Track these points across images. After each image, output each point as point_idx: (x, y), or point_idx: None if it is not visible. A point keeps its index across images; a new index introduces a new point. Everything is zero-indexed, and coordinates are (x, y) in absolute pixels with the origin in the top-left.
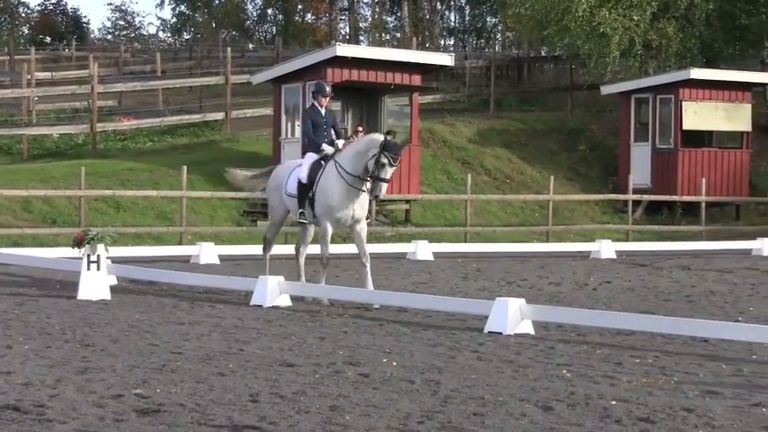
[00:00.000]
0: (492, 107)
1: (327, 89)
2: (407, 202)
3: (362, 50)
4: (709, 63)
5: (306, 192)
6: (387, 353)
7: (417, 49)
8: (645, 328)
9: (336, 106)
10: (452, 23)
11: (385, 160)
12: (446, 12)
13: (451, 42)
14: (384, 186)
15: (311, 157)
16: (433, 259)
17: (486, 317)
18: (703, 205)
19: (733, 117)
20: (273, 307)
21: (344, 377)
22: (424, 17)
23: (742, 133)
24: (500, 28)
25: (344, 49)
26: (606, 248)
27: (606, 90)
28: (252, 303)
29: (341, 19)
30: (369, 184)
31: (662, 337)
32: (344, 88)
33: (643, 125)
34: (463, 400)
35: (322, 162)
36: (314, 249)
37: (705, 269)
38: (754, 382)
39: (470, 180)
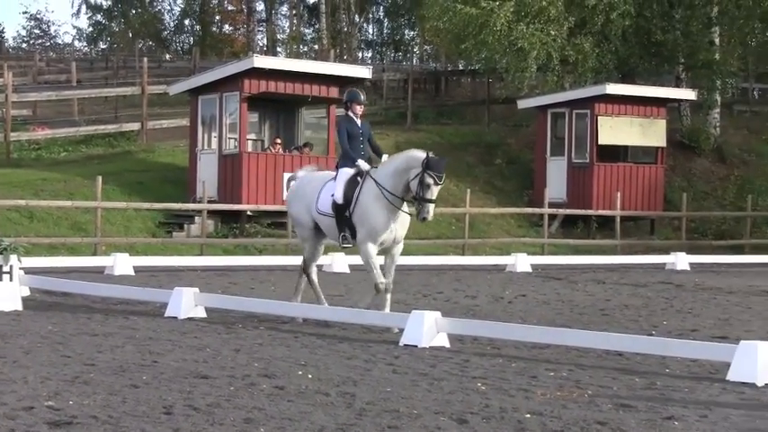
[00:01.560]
0: (409, 120)
1: (362, 97)
2: None
3: (280, 62)
4: (625, 79)
5: (343, 212)
6: (302, 365)
7: (335, 62)
8: (559, 342)
9: (253, 118)
10: (370, 36)
11: (430, 180)
12: (364, 24)
13: (369, 55)
14: (432, 207)
15: (346, 173)
16: (349, 272)
17: (402, 330)
18: (618, 219)
19: (648, 132)
20: (188, 319)
21: (259, 389)
22: (342, 29)
23: (657, 148)
24: (418, 41)
25: (262, 61)
26: (522, 262)
27: (523, 104)
28: (166, 315)
29: (258, 30)
30: (406, 205)
31: (576, 351)
32: (261, 100)
33: (559, 139)
34: (378, 413)
35: (358, 179)
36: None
37: (620, 283)
38: (666, 395)
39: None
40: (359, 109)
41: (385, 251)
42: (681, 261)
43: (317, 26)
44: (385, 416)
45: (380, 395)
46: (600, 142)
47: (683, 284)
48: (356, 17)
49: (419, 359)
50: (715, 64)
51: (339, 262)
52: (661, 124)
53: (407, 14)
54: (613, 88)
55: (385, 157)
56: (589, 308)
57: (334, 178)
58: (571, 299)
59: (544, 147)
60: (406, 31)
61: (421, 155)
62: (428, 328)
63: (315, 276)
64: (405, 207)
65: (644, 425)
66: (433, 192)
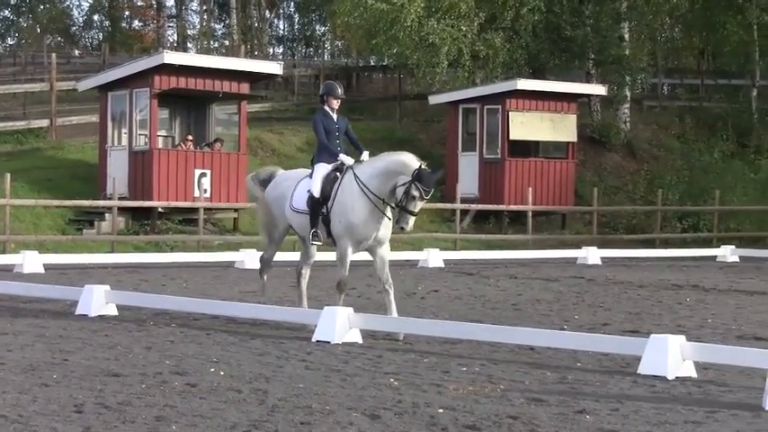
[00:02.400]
0: None
1: (339, 90)
2: (236, 210)
3: (190, 58)
4: (536, 74)
5: (318, 208)
6: (214, 362)
7: (246, 58)
8: (472, 337)
9: (164, 114)
10: (281, 32)
11: (416, 193)
12: (275, 20)
13: (280, 51)
14: (412, 220)
15: (323, 168)
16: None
17: (315, 326)
18: (530, 214)
19: (559, 127)
20: (99, 316)
21: (171, 387)
22: (253, 25)
23: (567, 143)
24: (329, 37)
25: (172, 57)
26: (434, 257)
27: (434, 100)
28: (77, 313)
29: (169, 26)
30: (388, 209)
31: (488, 346)
32: (172, 96)
33: (471, 135)
34: (291, 410)
35: (337, 174)
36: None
37: (531, 278)
38: (578, 389)
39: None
40: (335, 103)
41: (371, 253)
42: (592, 255)
43: (227, 22)
44: (297, 412)
45: (293, 391)
46: (511, 137)
47: (595, 279)
48: (267, 13)
49: (332, 355)
50: (624, 59)
51: (251, 258)
52: (571, 119)
53: (318, 10)
54: (524, 84)
55: (365, 154)
56: (501, 303)
57: (310, 175)
58: (483, 294)
59: (456, 142)
60: (317, 27)
61: (413, 163)
62: (341, 325)
63: (305, 283)
64: (387, 211)
65: (556, 419)
66: (417, 205)
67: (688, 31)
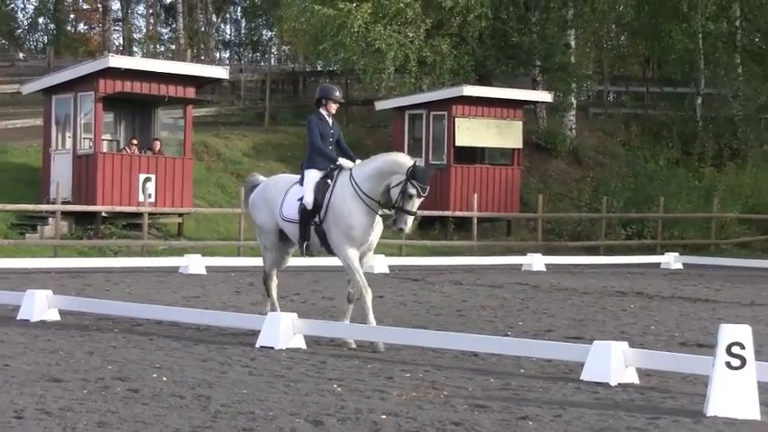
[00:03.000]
0: (267, 121)
1: (337, 94)
2: (180, 215)
3: (136, 62)
4: (482, 80)
5: (311, 218)
6: (157, 368)
7: (192, 62)
8: (415, 343)
9: (108, 118)
10: (228, 36)
11: (413, 191)
12: (222, 24)
13: (227, 55)
14: (410, 219)
15: (314, 174)
16: (205, 273)
17: (258, 332)
18: (475, 221)
19: (505, 134)
20: (41, 321)
21: (113, 392)
22: (200, 29)
23: (513, 150)
24: (276, 42)
25: (117, 60)
26: (379, 263)
27: (381, 106)
28: (19, 318)
29: (114, 30)
30: (382, 211)
31: (432, 352)
32: (117, 100)
33: (417, 141)
34: (233, 416)
35: (327, 181)
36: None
37: (476, 284)
38: (521, 395)
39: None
40: (334, 107)
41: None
42: (537, 262)
43: (173, 26)
44: (240, 418)
45: (236, 397)
46: (457, 144)
47: (539, 285)
48: (213, 17)
49: (275, 361)
50: (570, 67)
51: (196, 263)
52: (517, 126)
53: (265, 15)
54: (470, 90)
55: (357, 162)
56: (446, 309)
57: (300, 182)
58: (428, 300)
59: (402, 148)
60: (264, 32)
61: (407, 161)
62: (284, 330)
63: (275, 286)
64: (380, 211)
65: (499, 425)
66: (415, 203)
67: (634, 38)
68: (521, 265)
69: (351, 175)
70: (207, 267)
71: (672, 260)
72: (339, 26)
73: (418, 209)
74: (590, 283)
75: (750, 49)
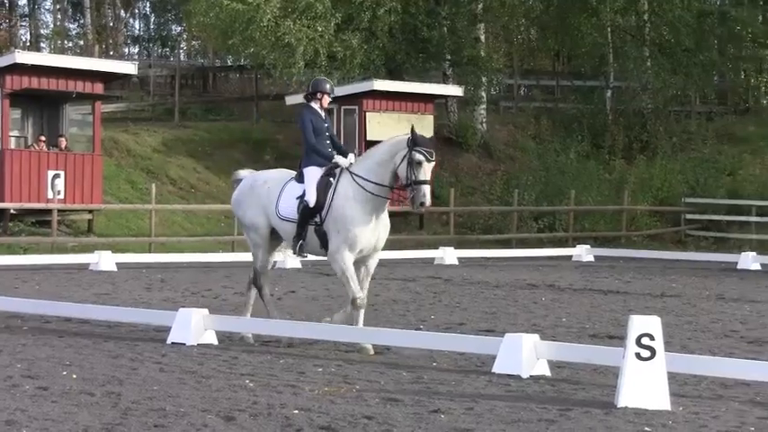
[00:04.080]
0: (177, 116)
1: (328, 86)
2: (90, 212)
3: (43, 58)
4: (393, 75)
5: (310, 218)
6: (67, 365)
7: (100, 57)
8: (328, 338)
9: (16, 114)
10: (137, 31)
11: (420, 156)
12: (130, 20)
13: (136, 50)
14: (428, 189)
15: (315, 172)
16: (116, 270)
17: (170, 328)
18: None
19: (416, 128)
20: None
21: (22, 390)
22: (108, 25)
23: None
24: (185, 37)
25: (24, 56)
26: (291, 259)
27: (291, 100)
28: None
29: (21, 25)
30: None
31: (345, 346)
32: (24, 96)
33: None
34: (144, 412)
35: (330, 180)
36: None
37: (389, 278)
38: (433, 389)
39: (155, 190)
40: (327, 101)
41: (362, 261)
42: (449, 256)
43: (81, 21)
44: (151, 415)
45: (147, 394)
46: (368, 138)
47: (452, 279)
48: (122, 12)
49: (187, 357)
50: (480, 60)
51: (106, 260)
52: (428, 120)
53: (174, 10)
54: (381, 84)
55: (351, 156)
56: None
57: (296, 179)
58: (340, 295)
59: None
60: (173, 27)
61: (403, 136)
62: (195, 326)
63: (268, 290)
64: (389, 195)
65: (411, 418)
66: (426, 171)
67: (543, 32)
68: (433, 258)
69: (351, 174)
70: (117, 264)
71: (583, 252)
72: (248, 21)
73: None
74: (502, 276)
75: (659, 43)
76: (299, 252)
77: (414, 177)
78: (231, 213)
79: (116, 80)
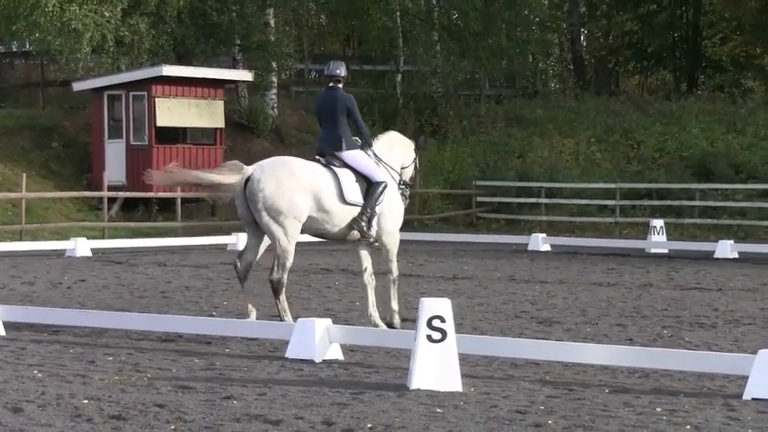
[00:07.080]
0: None
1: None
2: None
3: None
4: (182, 60)
5: (380, 196)
6: None
7: None
8: (118, 326)
9: None
10: None
11: (417, 161)
12: None
13: None
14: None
15: (368, 156)
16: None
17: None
18: (179, 201)
19: (206, 114)
20: None
21: None
22: None
23: (215, 129)
24: None
25: None
26: (81, 246)
27: (78, 86)
28: None
29: None
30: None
31: (136, 335)
32: None
33: (117, 122)
34: None
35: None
36: None
37: (181, 265)
38: (226, 375)
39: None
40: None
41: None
42: (242, 242)
43: None
44: None
45: None
46: (158, 124)
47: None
48: None
49: None
50: (270, 45)
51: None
52: (219, 105)
53: None
54: (170, 70)
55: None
56: (150, 291)
57: (332, 165)
58: (131, 282)
59: (101, 129)
60: None
61: (408, 139)
62: None
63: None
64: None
65: (203, 405)
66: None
67: (333, 17)
68: (226, 245)
69: (383, 160)
70: None
71: None
72: (32, 6)
73: (120, 192)
74: (295, 261)
75: (448, 27)
76: (367, 230)
77: (414, 179)
78: (18, 201)
79: None
